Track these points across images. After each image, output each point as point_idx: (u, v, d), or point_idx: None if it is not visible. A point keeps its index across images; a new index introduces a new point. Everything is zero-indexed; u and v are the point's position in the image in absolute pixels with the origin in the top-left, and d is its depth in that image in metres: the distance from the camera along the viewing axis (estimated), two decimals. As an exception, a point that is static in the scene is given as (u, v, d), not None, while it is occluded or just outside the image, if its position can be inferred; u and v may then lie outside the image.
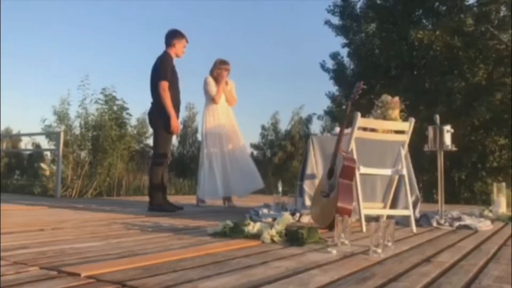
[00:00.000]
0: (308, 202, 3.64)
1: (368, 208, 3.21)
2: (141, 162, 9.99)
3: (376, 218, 3.39)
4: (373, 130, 3.36)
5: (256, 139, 18.41)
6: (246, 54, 30.55)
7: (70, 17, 31.03)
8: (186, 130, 20.14)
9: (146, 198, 4.52)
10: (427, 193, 9.67)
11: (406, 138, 3.24)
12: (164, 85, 4.19)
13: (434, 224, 3.37)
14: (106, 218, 3.48)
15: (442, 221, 3.41)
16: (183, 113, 20.23)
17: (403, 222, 3.33)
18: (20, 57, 33.39)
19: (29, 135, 9.68)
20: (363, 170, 3.04)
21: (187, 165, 18.45)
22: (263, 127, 18.37)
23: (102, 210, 4.25)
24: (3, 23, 28.59)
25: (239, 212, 4.18)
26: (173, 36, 4.39)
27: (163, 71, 4.24)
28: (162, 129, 4.26)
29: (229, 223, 2.50)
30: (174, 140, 19.86)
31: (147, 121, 4.63)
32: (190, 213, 4.17)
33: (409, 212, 3.09)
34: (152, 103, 4.35)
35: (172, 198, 5.81)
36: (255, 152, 18.69)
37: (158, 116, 4.25)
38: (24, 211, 4.12)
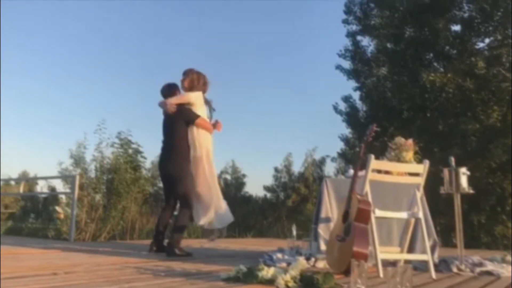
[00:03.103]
0: (323, 247, 3.57)
1: (385, 253, 3.14)
2: (155, 205, 9.99)
3: (393, 263, 3.31)
4: (387, 172, 3.34)
5: (269, 181, 18.29)
6: (259, 96, 31.01)
7: (87, 62, 32.09)
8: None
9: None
10: (446, 237, 9.41)
11: (421, 180, 3.21)
12: (201, 119, 4.25)
13: (454, 269, 3.27)
14: (119, 262, 3.45)
15: (462, 267, 3.31)
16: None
17: (421, 267, 3.24)
18: (37, 101, 34.36)
19: (45, 178, 9.81)
20: (379, 213, 3.00)
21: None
22: (276, 169, 18.28)
23: (115, 254, 4.22)
24: (20, 67, 29.72)
25: (252, 256, 4.11)
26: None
27: (193, 112, 4.28)
28: (186, 171, 4.20)
29: (243, 268, 2.46)
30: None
31: (166, 169, 4.33)
32: (203, 257, 4.12)
33: (427, 256, 3.01)
34: (168, 150, 4.32)
35: (184, 242, 5.76)
36: (268, 195, 18.52)
37: (181, 159, 4.21)
38: (38, 255, 4.11)
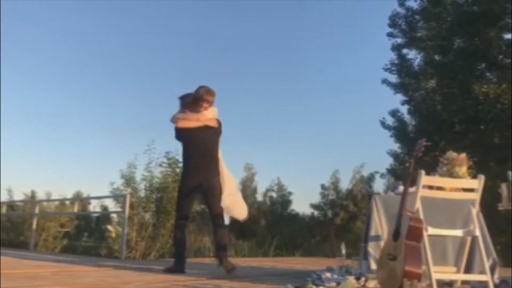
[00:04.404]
0: (373, 266, 3.46)
1: (440, 272, 2.99)
2: (202, 224, 10.08)
3: (450, 284, 3.16)
4: (439, 188, 3.21)
5: (316, 199, 18.04)
6: (303, 111, 30.94)
7: (136, 86, 33.34)
8: (245, 190, 20.27)
9: (207, 260, 4.52)
10: (507, 257, 8.87)
11: (476, 196, 3.06)
12: None
13: (517, 291, 3.07)
14: (168, 280, 3.49)
15: (525, 288, 3.10)
16: (241, 173, 20.42)
17: (480, 288, 3.06)
18: (89, 124, 35.86)
19: (98, 198, 10.16)
20: (431, 231, 2.88)
21: (247, 226, 18.35)
22: (323, 186, 18.04)
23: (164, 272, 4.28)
24: (70, 95, 31.29)
25: (300, 275, 4.04)
26: None
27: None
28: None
29: (291, 287, 2.42)
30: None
31: (210, 182, 4.27)
32: (250, 275, 4.10)
33: (486, 277, 2.85)
34: (212, 162, 4.29)
35: (232, 261, 5.75)
36: (315, 213, 18.27)
37: (219, 174, 4.31)
38: (92, 272, 4.24)
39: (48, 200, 12.32)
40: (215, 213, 4.27)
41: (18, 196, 13.19)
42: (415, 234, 2.77)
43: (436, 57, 12.72)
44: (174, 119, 4.33)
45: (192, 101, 4.35)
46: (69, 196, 16.81)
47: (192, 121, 4.28)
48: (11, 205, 12.50)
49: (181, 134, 4.32)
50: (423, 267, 2.76)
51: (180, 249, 4.34)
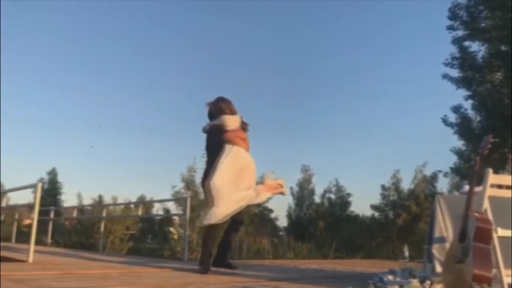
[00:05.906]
0: (438, 268, 3.33)
1: (512, 277, 2.82)
2: (260, 226, 10.14)
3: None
4: (510, 187, 3.02)
5: (376, 199, 17.58)
6: (362, 111, 30.33)
7: (193, 93, 34.27)
8: (303, 192, 20.15)
9: (266, 262, 4.54)
10: None
11: (552, 195, 2.85)
12: None
13: None
14: (228, 281, 3.55)
15: None
16: (298, 175, 20.29)
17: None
18: (154, 133, 37.33)
19: (160, 201, 10.53)
20: (501, 232, 2.72)
21: (305, 228, 18.23)
22: (383, 187, 17.55)
23: (224, 273, 4.35)
24: (133, 104, 32.66)
25: (361, 278, 3.96)
26: None
27: None
28: None
29: (351, 289, 2.38)
30: (291, 202, 19.93)
31: None
32: (310, 277, 4.07)
33: None
34: None
35: (291, 263, 5.75)
36: (376, 214, 17.80)
37: None
38: (156, 273, 4.40)
39: (114, 204, 12.93)
40: None
41: (87, 201, 13.97)
42: (484, 235, 2.63)
43: (503, 47, 12.02)
44: None
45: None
46: (134, 200, 17.59)
47: None
48: (81, 209, 13.27)
49: None
50: (494, 270, 2.61)
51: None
